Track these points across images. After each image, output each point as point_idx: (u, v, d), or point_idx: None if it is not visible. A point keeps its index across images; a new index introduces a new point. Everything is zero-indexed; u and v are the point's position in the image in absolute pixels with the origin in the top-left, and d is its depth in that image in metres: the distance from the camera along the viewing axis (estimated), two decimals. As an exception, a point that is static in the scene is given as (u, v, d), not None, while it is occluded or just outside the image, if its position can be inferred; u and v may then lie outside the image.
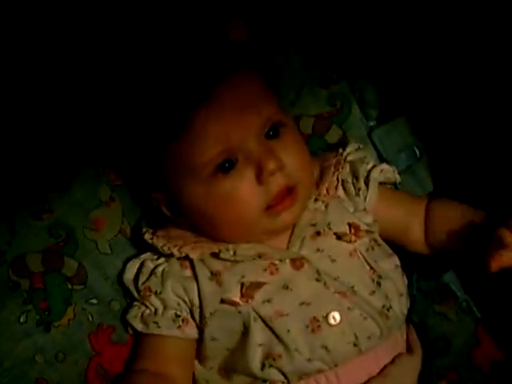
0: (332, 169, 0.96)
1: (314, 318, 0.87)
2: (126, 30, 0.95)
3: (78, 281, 0.93)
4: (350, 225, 0.93)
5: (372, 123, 1.06)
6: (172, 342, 0.90)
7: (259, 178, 0.86)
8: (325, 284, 0.89)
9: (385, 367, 0.91)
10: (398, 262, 0.96)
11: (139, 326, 0.91)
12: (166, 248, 0.91)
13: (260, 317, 0.87)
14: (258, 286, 0.88)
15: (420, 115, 1.04)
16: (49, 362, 0.90)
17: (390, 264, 0.94)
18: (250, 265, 0.89)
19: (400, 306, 0.93)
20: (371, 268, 0.92)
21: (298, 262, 0.89)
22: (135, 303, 0.92)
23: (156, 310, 0.90)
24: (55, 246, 0.92)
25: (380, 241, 0.95)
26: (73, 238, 0.94)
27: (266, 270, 0.89)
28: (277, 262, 0.89)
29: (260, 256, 0.89)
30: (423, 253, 0.99)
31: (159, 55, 0.91)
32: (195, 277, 0.90)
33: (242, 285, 0.88)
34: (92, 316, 0.93)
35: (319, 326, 0.87)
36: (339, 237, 0.92)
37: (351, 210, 0.96)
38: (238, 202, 0.87)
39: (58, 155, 0.94)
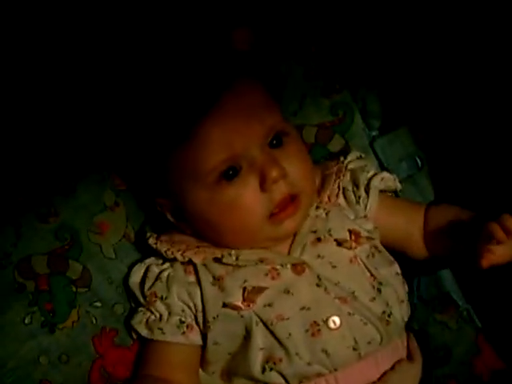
0: (333, 177, 0.97)
1: (315, 322, 0.88)
2: (131, 37, 0.97)
3: (82, 284, 0.94)
4: (350, 231, 0.94)
5: (374, 133, 1.07)
6: (177, 348, 0.91)
7: (263, 185, 0.87)
8: (325, 289, 0.89)
9: (385, 373, 0.91)
10: (399, 270, 0.96)
11: (144, 332, 0.92)
12: (169, 253, 0.92)
13: (261, 321, 0.88)
14: (259, 290, 0.89)
15: (422, 125, 1.05)
16: (53, 364, 0.91)
17: (391, 271, 0.95)
18: (252, 269, 0.90)
19: (400, 312, 0.93)
20: (371, 275, 0.92)
21: (299, 267, 0.90)
22: (140, 308, 0.93)
23: (161, 315, 0.91)
24: (60, 249, 0.93)
25: (381, 248, 0.96)
26: (78, 241, 0.95)
27: (267, 274, 0.90)
28: (278, 267, 0.90)
29: (262, 261, 0.90)
30: (423, 258, 0.99)
31: (165, 63, 0.93)
32: (198, 282, 0.91)
33: (244, 289, 0.89)
34: (96, 319, 0.94)
35: (319, 330, 0.88)
36: (339, 243, 0.93)
37: (352, 217, 0.96)
38: (242, 209, 0.88)
39: (64, 159, 0.95)
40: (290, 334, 0.87)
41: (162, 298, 0.92)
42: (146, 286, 0.93)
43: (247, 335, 0.89)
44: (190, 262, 0.92)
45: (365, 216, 0.97)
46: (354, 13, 1.04)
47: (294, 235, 0.93)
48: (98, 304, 0.94)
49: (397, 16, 1.02)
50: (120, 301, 0.96)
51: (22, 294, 0.91)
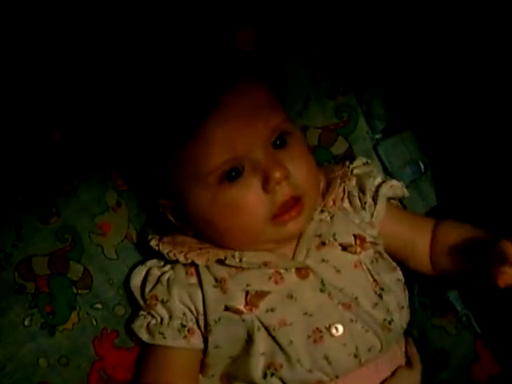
0: (338, 180, 0.97)
1: (317, 328, 0.88)
2: (134, 38, 0.95)
3: (83, 285, 0.93)
4: (355, 236, 0.93)
5: (378, 136, 1.06)
6: (178, 352, 0.90)
7: (265, 186, 0.86)
8: (329, 295, 0.89)
9: (385, 380, 0.91)
10: (401, 277, 0.96)
11: (145, 337, 0.91)
12: (171, 254, 0.91)
13: (263, 326, 0.88)
14: (262, 294, 0.88)
15: (426, 129, 1.04)
16: (52, 366, 0.90)
17: (393, 277, 0.95)
18: (255, 273, 0.90)
19: (400, 319, 0.93)
20: (374, 280, 0.92)
21: (303, 272, 0.90)
22: (141, 312, 0.92)
23: (162, 319, 0.91)
24: (61, 250, 0.92)
25: (384, 254, 0.96)
26: (79, 242, 0.93)
27: (270, 278, 0.89)
28: (282, 271, 0.90)
29: (265, 264, 0.90)
30: (427, 273, 0.99)
31: (168, 63, 0.92)
32: (200, 284, 0.91)
33: (247, 293, 0.88)
34: (96, 321, 0.93)
35: (321, 337, 0.88)
36: (344, 248, 0.92)
37: (357, 221, 0.96)
38: (244, 210, 0.87)
39: (65, 159, 0.94)
40: (291, 341, 0.87)
41: (162, 301, 0.91)
42: (147, 289, 0.93)
43: (249, 340, 0.88)
44: (193, 263, 0.91)
45: (370, 222, 0.96)
46: (359, 14, 1.03)
47: (299, 238, 0.92)
48: (99, 306, 0.94)
49: (402, 19, 1.01)
50: (121, 302, 0.95)
51: (21, 296, 0.89)
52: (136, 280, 0.94)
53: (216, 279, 0.90)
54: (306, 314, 0.88)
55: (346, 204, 0.97)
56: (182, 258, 0.90)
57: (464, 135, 1.02)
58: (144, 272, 0.94)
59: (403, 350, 0.96)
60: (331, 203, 0.95)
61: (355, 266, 0.92)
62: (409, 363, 0.96)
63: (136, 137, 0.93)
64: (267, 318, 0.88)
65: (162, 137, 0.89)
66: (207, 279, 0.90)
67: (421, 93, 1.03)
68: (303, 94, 1.04)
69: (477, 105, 0.99)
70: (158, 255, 0.93)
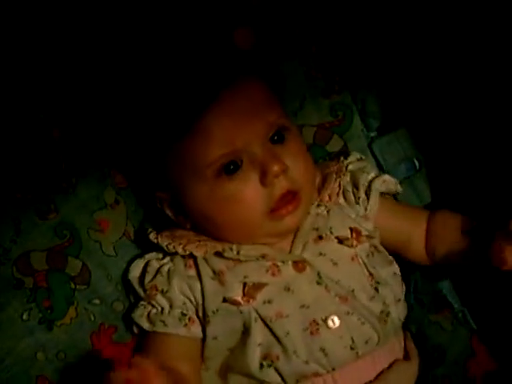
0: (334, 176, 0.98)
1: (314, 320, 0.88)
2: (133, 33, 0.96)
3: (81, 281, 0.93)
4: (351, 229, 0.94)
5: (373, 134, 1.07)
6: (178, 340, 0.91)
7: (263, 180, 0.87)
8: (326, 287, 0.90)
9: (381, 372, 0.92)
10: (398, 270, 0.97)
11: (146, 325, 0.91)
12: (170, 247, 0.92)
13: (260, 317, 0.88)
14: (259, 286, 0.89)
15: (420, 127, 1.05)
16: (50, 361, 0.90)
17: (389, 271, 0.95)
18: (253, 265, 0.90)
19: (397, 312, 0.94)
20: (370, 274, 0.93)
21: (300, 265, 0.91)
22: (141, 302, 0.93)
23: (162, 308, 0.91)
24: (60, 246, 0.93)
25: (380, 247, 0.97)
26: (77, 238, 0.94)
27: (268, 270, 0.90)
28: (279, 264, 0.91)
29: (263, 256, 0.90)
30: (423, 263, 1.00)
31: (166, 59, 0.93)
32: (199, 275, 0.91)
33: (245, 285, 0.89)
34: (94, 316, 0.94)
35: (318, 329, 0.88)
36: (341, 241, 0.93)
37: (353, 215, 0.97)
38: (242, 204, 0.88)
39: (64, 157, 0.95)
40: (288, 332, 0.88)
41: (162, 291, 0.92)
42: (146, 280, 0.93)
43: (246, 331, 0.89)
44: (191, 255, 0.92)
45: (365, 216, 0.97)
46: (354, 13, 1.04)
47: (296, 232, 0.93)
48: (97, 301, 0.94)
49: (397, 17, 1.02)
50: (119, 298, 0.96)
51: (20, 291, 0.90)
52: (135, 272, 0.95)
53: (214, 271, 0.91)
54: (303, 306, 0.89)
55: (341, 199, 0.98)
56: (180, 250, 0.91)
57: (458, 132, 1.02)
58: (142, 264, 0.95)
59: (402, 343, 0.97)
60: (327, 198, 0.96)
61: (352, 259, 0.93)
62: (406, 356, 0.96)
63: (135, 131, 0.94)
64: (264, 309, 0.88)
65: (160, 130, 0.89)
66: (205, 271, 0.91)
67: (415, 91, 1.04)
68: (299, 92, 1.05)
69: (471, 102, 1.00)
70: (157, 249, 0.94)
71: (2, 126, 0.92)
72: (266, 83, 0.93)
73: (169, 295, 0.91)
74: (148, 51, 0.95)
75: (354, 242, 0.93)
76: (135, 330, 0.94)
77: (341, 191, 0.98)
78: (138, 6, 0.96)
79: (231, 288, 0.89)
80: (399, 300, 0.94)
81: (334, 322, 0.88)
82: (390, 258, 0.97)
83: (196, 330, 0.91)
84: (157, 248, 0.94)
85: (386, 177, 1.00)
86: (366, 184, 0.98)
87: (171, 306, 0.91)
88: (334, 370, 0.88)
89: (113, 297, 0.95)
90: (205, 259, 0.92)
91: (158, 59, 0.93)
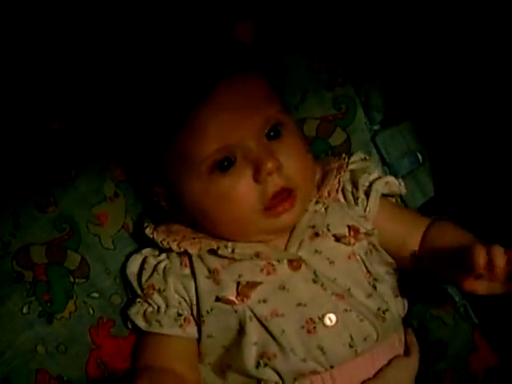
0: (334, 172, 0.97)
1: (310, 319, 0.88)
2: (131, 27, 0.96)
3: (80, 274, 0.94)
4: (349, 227, 0.93)
5: (376, 127, 1.06)
6: (174, 340, 0.91)
7: (256, 176, 0.86)
8: (322, 285, 0.89)
9: (381, 369, 0.91)
10: (395, 266, 0.96)
11: (142, 324, 0.92)
12: (165, 243, 0.92)
13: (255, 316, 0.88)
14: (253, 285, 0.89)
15: (424, 120, 1.04)
16: (50, 354, 0.91)
17: (387, 268, 0.95)
18: (248, 264, 0.90)
19: (396, 308, 0.93)
20: (368, 271, 0.92)
21: (295, 263, 0.90)
22: (138, 300, 0.93)
23: (159, 307, 0.91)
24: (59, 240, 0.93)
25: (378, 246, 0.96)
26: (76, 231, 0.94)
27: (262, 270, 0.90)
28: (274, 263, 0.90)
29: (257, 255, 0.90)
30: (414, 269, 0.96)
31: (163, 54, 0.92)
32: (193, 274, 0.91)
33: (238, 284, 0.89)
34: (93, 309, 0.94)
35: (314, 327, 0.88)
36: (338, 239, 0.92)
37: (351, 213, 0.96)
38: (235, 200, 0.87)
39: (64, 150, 0.95)
40: (284, 330, 0.87)
41: (159, 290, 0.92)
42: (144, 278, 0.93)
43: (241, 330, 0.89)
44: (186, 253, 0.92)
45: (364, 217, 0.96)
46: (357, 6, 1.03)
47: (292, 230, 0.92)
48: (96, 295, 0.95)
49: (400, 10, 1.01)
50: (118, 291, 0.96)
51: (19, 284, 0.91)
52: (132, 268, 0.95)
53: (209, 270, 0.91)
54: (299, 304, 0.88)
55: (341, 198, 0.97)
56: (175, 247, 0.91)
57: (462, 126, 1.01)
58: (140, 260, 0.95)
59: (402, 339, 0.96)
60: (326, 194, 0.95)
61: (349, 257, 0.92)
62: (406, 351, 0.95)
63: (132, 124, 0.93)
64: (259, 308, 0.88)
65: (156, 125, 0.89)
66: (200, 270, 0.91)
67: (418, 84, 1.03)
68: (302, 85, 1.05)
69: (475, 95, 0.99)
70: (153, 244, 0.94)
71: (1, 119, 0.92)
72: (266, 77, 0.92)
73: (165, 294, 0.91)
74: (146, 45, 0.94)
75: (352, 240, 0.92)
76: (129, 325, 0.94)
77: (340, 188, 0.97)
78: (135, 2, 0.95)
79: (226, 287, 0.89)
80: (397, 296, 0.94)
81: (331, 319, 0.88)
82: (388, 256, 0.96)
83: (191, 330, 0.91)
84: (153, 242, 0.94)
85: (390, 178, 0.98)
86: (367, 184, 0.97)
87: (167, 306, 0.91)
88: (332, 367, 0.88)
89: (111, 290, 0.96)
90: (200, 257, 0.92)
91: (156, 54, 0.92)
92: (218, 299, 0.89)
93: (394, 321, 0.93)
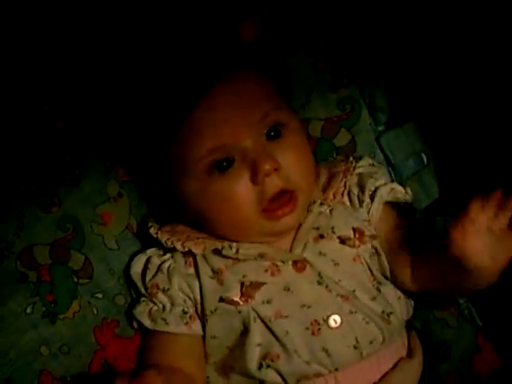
0: (341, 175, 0.96)
1: (315, 320, 0.87)
2: (132, 26, 0.95)
3: (84, 275, 0.93)
4: (354, 229, 0.93)
5: (381, 128, 1.06)
6: (180, 338, 0.91)
7: (254, 178, 0.86)
8: (326, 287, 0.89)
9: (386, 373, 0.90)
10: None
11: (147, 323, 0.91)
12: (169, 242, 0.91)
13: (259, 317, 0.88)
14: (257, 285, 0.88)
15: (428, 121, 1.04)
16: (53, 354, 0.90)
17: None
18: (252, 264, 0.90)
19: (401, 310, 0.93)
20: (372, 274, 0.92)
21: (300, 264, 0.90)
22: (143, 299, 0.93)
23: (164, 306, 0.91)
24: (63, 240, 0.93)
25: (380, 250, 0.95)
26: (80, 232, 0.94)
27: (267, 270, 0.89)
28: (279, 264, 0.90)
29: (262, 256, 0.89)
30: (406, 288, 0.95)
31: (161, 54, 0.92)
32: (197, 274, 0.91)
33: (242, 284, 0.88)
34: (97, 310, 0.94)
35: (319, 329, 0.87)
36: (343, 241, 0.92)
37: (356, 216, 0.95)
38: (232, 201, 0.87)
39: (68, 149, 0.95)
40: (288, 332, 0.87)
41: (163, 289, 0.92)
42: (148, 278, 0.93)
43: (245, 330, 0.88)
44: (190, 253, 0.91)
45: (368, 221, 0.96)
46: (362, 7, 1.03)
47: (296, 231, 0.92)
48: (100, 295, 0.94)
49: (405, 11, 1.01)
50: (121, 292, 0.96)
51: (23, 284, 0.90)
52: (136, 267, 0.94)
53: (213, 270, 0.90)
54: (303, 306, 0.88)
55: (346, 201, 0.97)
56: (179, 246, 0.91)
57: (467, 127, 1.01)
58: (144, 260, 0.94)
59: (406, 342, 0.95)
60: (332, 197, 0.95)
61: (353, 259, 0.92)
62: (409, 353, 0.95)
63: (133, 126, 0.93)
64: (263, 309, 0.88)
65: (154, 125, 0.89)
66: (204, 270, 0.91)
67: (423, 85, 1.03)
68: (306, 86, 1.05)
69: (479, 97, 0.99)
70: (158, 244, 0.94)
71: (5, 118, 0.92)
72: (267, 77, 0.91)
73: (170, 293, 0.91)
74: (148, 45, 0.94)
75: (357, 243, 0.92)
76: (135, 325, 0.94)
77: (346, 191, 0.96)
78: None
79: (229, 288, 0.89)
80: (399, 298, 0.93)
81: (336, 321, 0.88)
82: None
83: (197, 327, 0.91)
84: (158, 242, 0.93)
85: (395, 185, 0.97)
86: (373, 189, 0.95)
87: (172, 304, 0.91)
88: (337, 370, 0.87)
89: (115, 291, 0.95)
90: (204, 257, 0.91)
91: (156, 54, 0.92)
92: (221, 300, 0.89)
93: (399, 324, 0.92)
